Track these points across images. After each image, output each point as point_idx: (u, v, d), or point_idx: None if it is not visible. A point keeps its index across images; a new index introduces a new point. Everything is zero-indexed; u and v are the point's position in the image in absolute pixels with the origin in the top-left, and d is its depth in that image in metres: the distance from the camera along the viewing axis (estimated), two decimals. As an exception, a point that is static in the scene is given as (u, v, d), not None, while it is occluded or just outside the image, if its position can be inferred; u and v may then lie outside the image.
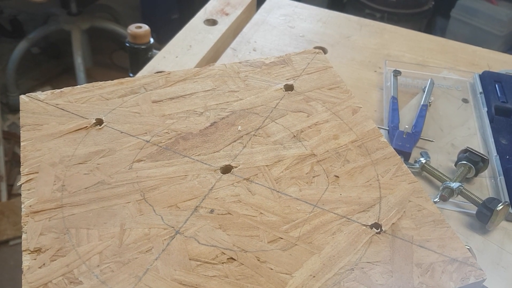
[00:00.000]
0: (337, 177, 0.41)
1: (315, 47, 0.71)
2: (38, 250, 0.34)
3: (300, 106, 0.48)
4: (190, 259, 0.34)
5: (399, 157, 0.44)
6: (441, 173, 0.51)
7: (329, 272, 0.34)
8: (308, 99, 0.49)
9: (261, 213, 0.38)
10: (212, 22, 0.73)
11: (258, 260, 0.34)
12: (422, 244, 0.36)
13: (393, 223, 0.38)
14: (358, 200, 0.39)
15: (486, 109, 0.60)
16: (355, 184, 0.41)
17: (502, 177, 0.51)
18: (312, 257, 0.35)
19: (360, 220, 0.38)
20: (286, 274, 0.34)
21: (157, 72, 0.54)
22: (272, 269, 0.34)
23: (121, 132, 0.43)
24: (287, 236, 0.36)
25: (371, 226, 0.37)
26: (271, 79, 0.51)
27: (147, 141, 0.43)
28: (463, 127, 0.59)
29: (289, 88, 0.50)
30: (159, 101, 0.47)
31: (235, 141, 0.44)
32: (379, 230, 0.37)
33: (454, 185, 0.49)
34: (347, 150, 0.44)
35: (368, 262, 0.35)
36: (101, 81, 0.48)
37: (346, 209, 0.38)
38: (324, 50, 0.72)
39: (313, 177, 0.41)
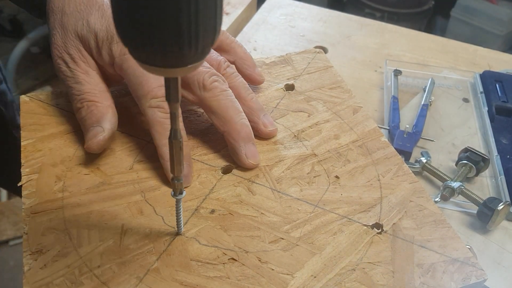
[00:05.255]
0: (338, 177, 0.41)
1: (316, 47, 0.71)
2: (39, 251, 0.34)
3: (300, 106, 0.48)
4: (191, 260, 0.34)
5: (400, 156, 0.43)
6: (442, 173, 0.51)
7: (330, 273, 0.34)
8: (309, 98, 0.49)
9: (262, 213, 0.38)
10: (212, 22, 0.73)
11: (259, 260, 0.34)
12: (423, 244, 0.36)
13: (394, 223, 0.38)
14: (359, 200, 0.39)
15: (486, 108, 0.60)
16: (356, 184, 0.41)
17: (503, 177, 0.51)
18: (313, 258, 0.35)
19: (361, 220, 0.38)
20: (287, 274, 0.34)
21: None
22: (273, 269, 0.34)
23: (122, 132, 0.43)
24: (288, 237, 0.36)
25: (372, 226, 0.37)
26: (271, 78, 0.51)
27: (148, 142, 0.43)
28: (464, 126, 0.59)
29: (289, 87, 0.50)
30: (159, 101, 0.47)
31: (235, 141, 0.44)
32: (380, 230, 0.37)
33: (455, 184, 0.48)
34: (348, 150, 0.44)
35: (369, 263, 0.35)
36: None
37: (347, 209, 0.38)
38: (325, 50, 0.72)
39: (314, 177, 0.41)
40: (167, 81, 0.27)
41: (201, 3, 0.23)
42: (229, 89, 0.42)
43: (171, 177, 0.33)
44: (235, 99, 0.42)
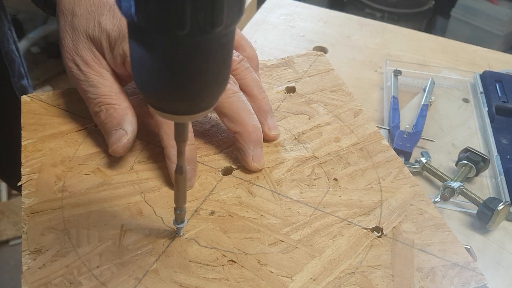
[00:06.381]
0: (337, 180, 0.41)
1: (316, 47, 0.71)
2: (38, 251, 0.34)
3: (301, 108, 0.48)
4: (190, 261, 0.34)
5: (401, 160, 0.43)
6: (442, 173, 0.51)
7: (330, 276, 0.34)
8: (310, 101, 0.49)
9: (262, 215, 0.38)
10: (212, 22, 0.73)
11: (259, 262, 0.34)
12: (423, 248, 0.36)
13: (394, 227, 0.37)
14: (359, 203, 0.39)
15: (486, 108, 0.60)
16: (356, 187, 0.41)
17: (503, 177, 0.51)
18: (312, 260, 0.35)
19: (361, 223, 0.38)
20: (287, 277, 0.34)
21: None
22: (272, 272, 0.34)
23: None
24: (287, 239, 0.36)
25: (372, 230, 0.37)
26: (272, 81, 0.51)
27: (148, 142, 0.43)
28: (464, 126, 0.59)
29: (290, 90, 0.50)
30: (159, 102, 0.47)
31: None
32: (380, 233, 0.37)
33: (455, 184, 0.48)
34: (348, 152, 0.44)
35: (368, 266, 0.35)
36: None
37: (347, 212, 0.38)
38: (325, 50, 0.71)
39: (314, 179, 0.41)
40: (176, 124, 0.28)
41: (212, 65, 0.25)
42: (240, 91, 0.42)
43: (174, 207, 0.34)
44: (247, 101, 0.42)
